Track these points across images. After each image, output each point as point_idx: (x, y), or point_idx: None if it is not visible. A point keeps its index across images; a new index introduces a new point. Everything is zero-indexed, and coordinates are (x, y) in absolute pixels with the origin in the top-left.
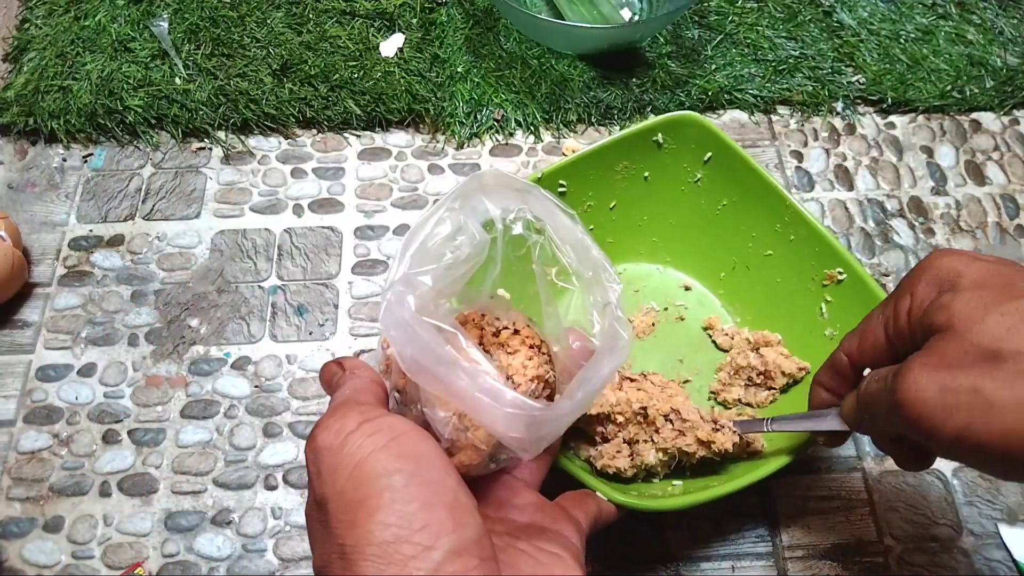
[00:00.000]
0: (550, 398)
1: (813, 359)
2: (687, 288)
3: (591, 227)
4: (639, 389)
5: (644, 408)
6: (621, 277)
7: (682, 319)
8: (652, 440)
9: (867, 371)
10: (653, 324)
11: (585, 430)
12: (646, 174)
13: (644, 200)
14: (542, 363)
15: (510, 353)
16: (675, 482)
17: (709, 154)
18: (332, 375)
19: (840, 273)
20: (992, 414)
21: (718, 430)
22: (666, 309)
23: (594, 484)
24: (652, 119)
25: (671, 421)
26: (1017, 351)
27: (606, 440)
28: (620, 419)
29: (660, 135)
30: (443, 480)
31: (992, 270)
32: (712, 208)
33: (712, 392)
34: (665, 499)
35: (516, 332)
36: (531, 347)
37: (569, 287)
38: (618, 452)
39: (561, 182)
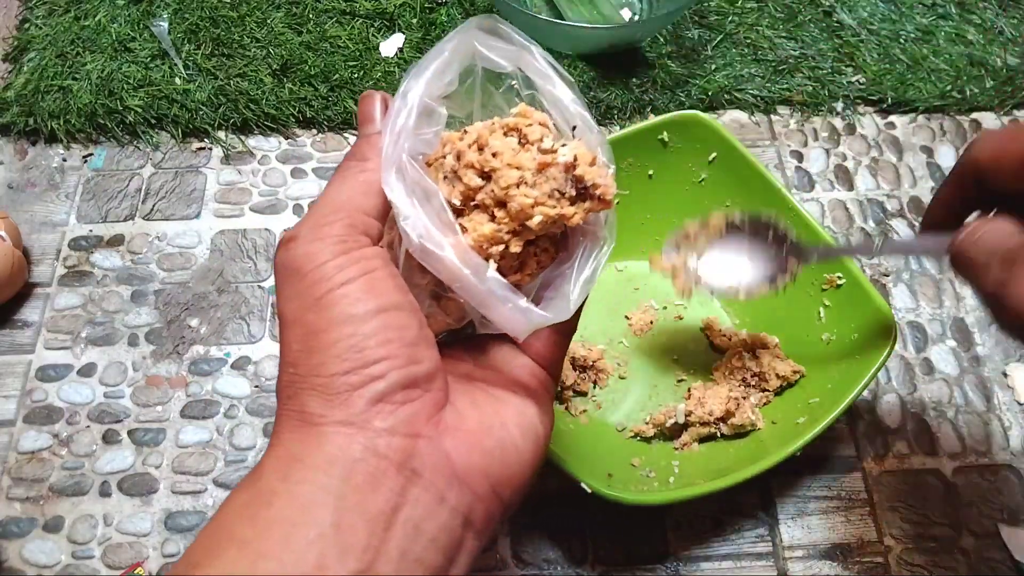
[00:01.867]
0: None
1: (809, 363)
2: None
3: None
4: None
5: None
6: (621, 275)
7: (681, 318)
8: None
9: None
10: (651, 322)
11: None
12: (650, 172)
13: (647, 198)
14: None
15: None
16: (649, 472)
17: (714, 154)
18: (369, 119)
19: (839, 278)
20: None
21: None
22: (665, 308)
23: (586, 479)
24: (659, 117)
25: None
26: None
27: None
28: None
29: (666, 134)
30: (407, 321)
31: None
32: (715, 209)
33: None
34: (662, 492)
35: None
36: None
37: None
38: None
39: None
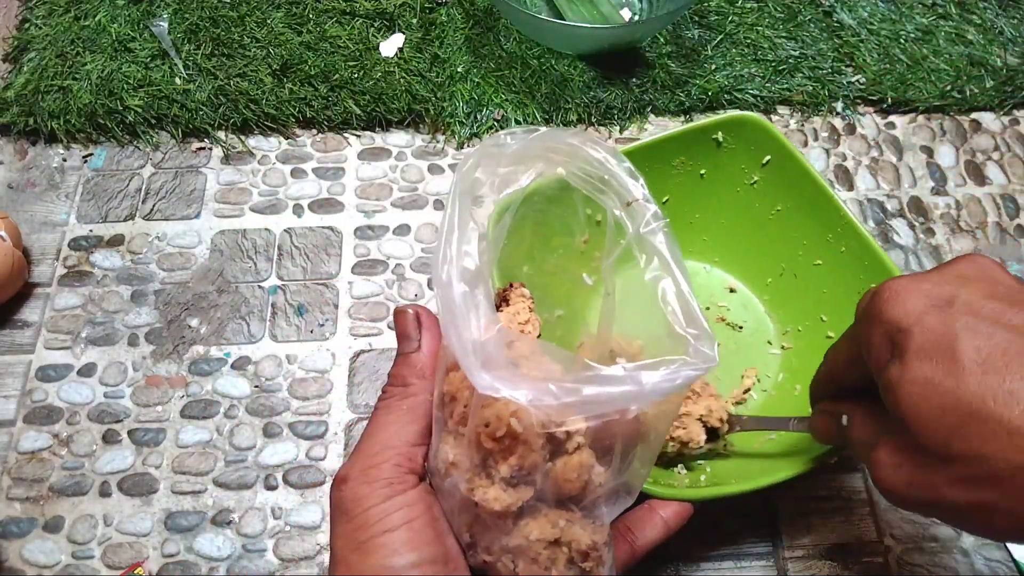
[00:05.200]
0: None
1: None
2: (732, 290)
3: None
4: None
5: None
6: None
7: (723, 320)
8: None
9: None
10: None
11: None
12: (703, 172)
13: (698, 198)
14: None
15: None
16: (680, 470)
17: (768, 157)
18: (404, 335)
19: None
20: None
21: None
22: (708, 308)
23: None
24: (714, 117)
25: None
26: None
27: None
28: None
29: (720, 133)
30: (436, 572)
31: (939, 324)
32: (766, 212)
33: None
34: (694, 490)
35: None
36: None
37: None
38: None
39: None
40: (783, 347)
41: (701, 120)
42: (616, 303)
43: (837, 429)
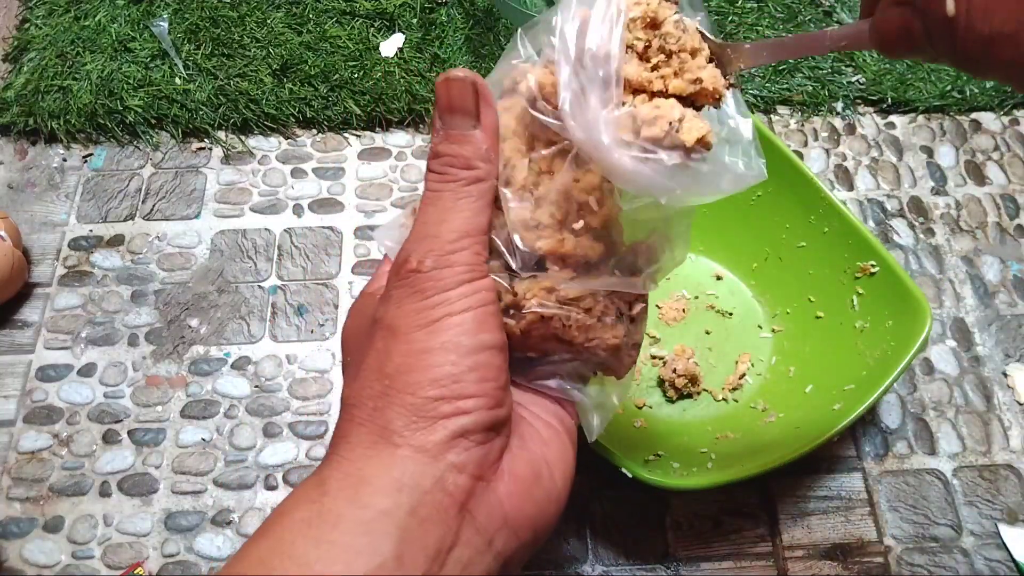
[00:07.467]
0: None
1: (843, 351)
2: (719, 277)
3: None
4: None
5: None
6: None
7: (712, 308)
8: None
9: None
10: (684, 311)
11: None
12: None
13: None
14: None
15: None
16: (708, 464)
17: None
18: (463, 111)
19: (873, 266)
20: None
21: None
22: (697, 298)
23: (620, 460)
24: None
25: None
26: None
27: None
28: None
29: None
30: (502, 363)
31: None
32: (747, 198)
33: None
34: (704, 476)
35: None
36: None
37: None
38: None
39: None
40: (774, 330)
41: None
42: None
43: (924, 21)
